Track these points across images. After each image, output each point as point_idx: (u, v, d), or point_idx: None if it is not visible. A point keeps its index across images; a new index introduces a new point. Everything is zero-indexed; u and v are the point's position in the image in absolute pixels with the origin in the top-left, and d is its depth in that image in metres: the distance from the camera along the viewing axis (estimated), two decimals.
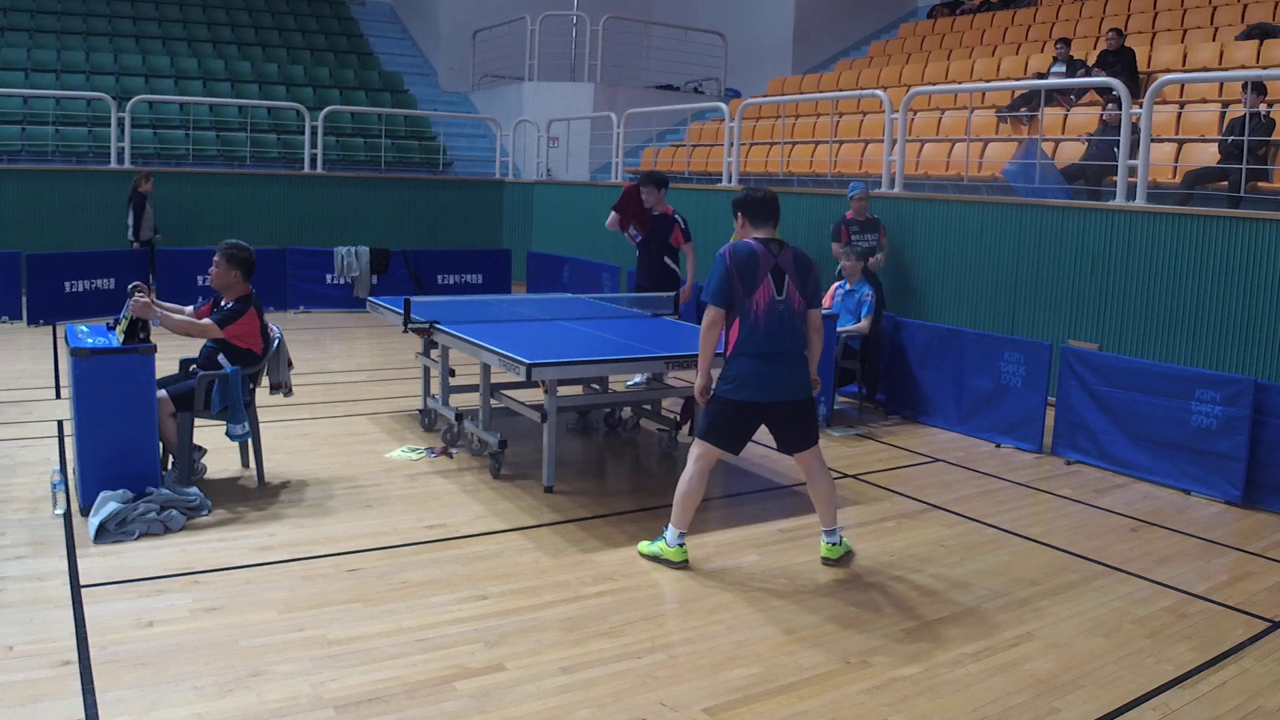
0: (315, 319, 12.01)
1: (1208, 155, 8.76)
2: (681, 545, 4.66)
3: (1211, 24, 11.69)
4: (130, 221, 12.09)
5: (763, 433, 4.67)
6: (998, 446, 7.03)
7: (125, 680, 3.39)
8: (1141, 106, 7.79)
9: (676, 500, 4.68)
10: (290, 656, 3.62)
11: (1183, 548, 5.17)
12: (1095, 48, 11.50)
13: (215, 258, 5.48)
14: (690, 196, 12.24)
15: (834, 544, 4.78)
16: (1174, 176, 8.73)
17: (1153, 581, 4.68)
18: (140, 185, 12.12)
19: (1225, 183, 8.18)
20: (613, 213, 8.43)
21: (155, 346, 5.04)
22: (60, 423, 6.68)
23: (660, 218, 8.22)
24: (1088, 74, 10.49)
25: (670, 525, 4.70)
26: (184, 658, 3.57)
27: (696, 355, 5.61)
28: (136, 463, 4.99)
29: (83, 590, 4.11)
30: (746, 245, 4.55)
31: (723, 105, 13.42)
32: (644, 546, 4.80)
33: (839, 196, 10.12)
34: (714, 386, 4.63)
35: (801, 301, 4.56)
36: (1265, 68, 9.55)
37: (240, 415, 5.41)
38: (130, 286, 5.19)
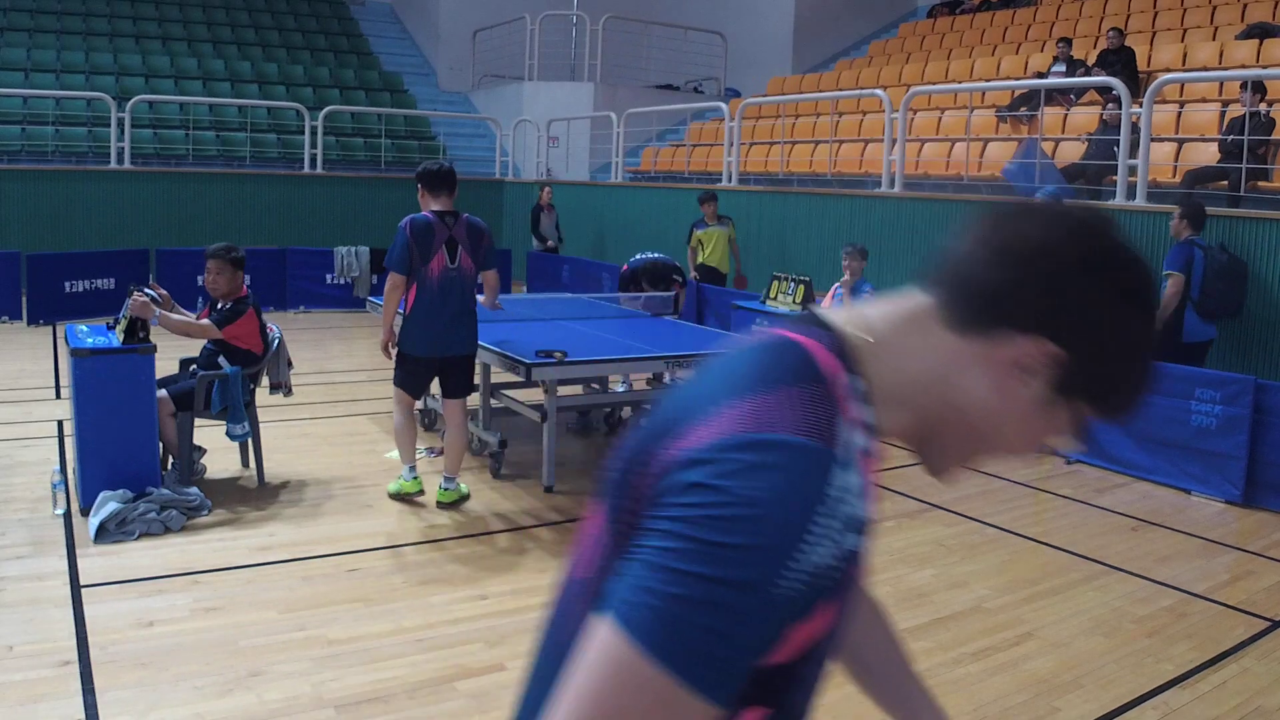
0: (315, 319, 12.01)
1: (1208, 155, 8.76)
2: (415, 478, 5.36)
3: (1211, 24, 11.69)
4: (551, 230, 13.50)
5: None
6: None
7: (125, 680, 3.39)
8: (1141, 106, 7.79)
9: (397, 442, 5.39)
10: (290, 656, 3.62)
11: (1183, 547, 5.17)
12: (1095, 48, 11.50)
13: (212, 265, 5.42)
14: (690, 196, 12.23)
15: (449, 489, 5.35)
16: (1174, 176, 8.73)
17: (1153, 581, 4.68)
18: (542, 197, 13.46)
19: (1225, 182, 8.18)
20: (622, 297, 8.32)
21: (155, 346, 5.04)
22: (60, 423, 6.68)
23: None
24: (1088, 73, 10.49)
25: (402, 464, 5.38)
26: (184, 658, 3.57)
27: (696, 355, 5.78)
28: (136, 463, 4.98)
29: (83, 590, 4.11)
30: (425, 219, 5.14)
31: (723, 105, 13.42)
32: (390, 487, 5.44)
33: (839, 197, 10.13)
34: (398, 344, 5.28)
35: (473, 266, 5.25)
36: (1265, 67, 9.55)
37: (240, 415, 5.41)
38: (132, 287, 5.19)
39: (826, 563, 0.87)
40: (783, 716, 0.99)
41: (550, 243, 13.40)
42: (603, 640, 0.86)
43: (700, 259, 10.27)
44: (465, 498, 5.48)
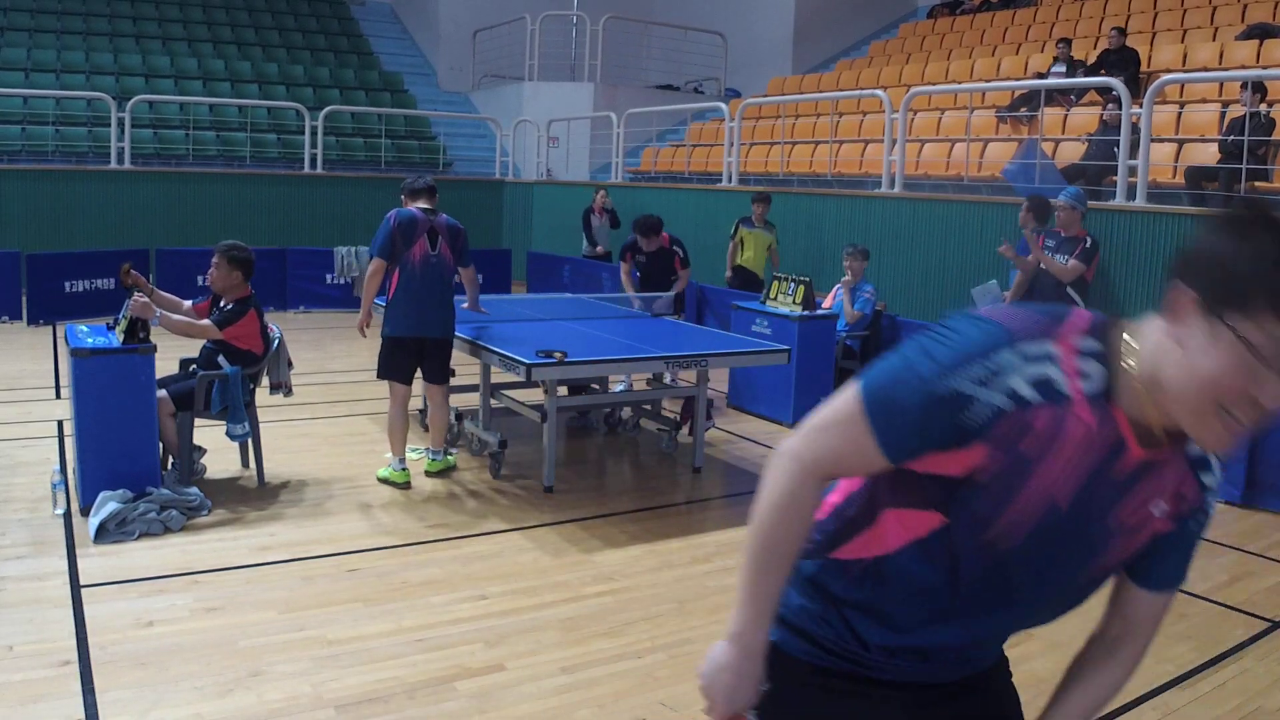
0: (315, 319, 12.01)
1: (1208, 155, 8.76)
2: (403, 470, 5.63)
3: (1211, 24, 11.69)
4: (603, 234, 12.68)
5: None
6: None
7: (125, 680, 3.39)
8: (1141, 106, 7.79)
9: (389, 434, 5.66)
10: (290, 656, 3.62)
11: None
12: (1095, 48, 11.50)
13: (214, 259, 5.47)
14: (690, 196, 12.25)
15: (436, 459, 5.84)
16: (1174, 176, 8.73)
17: None
18: (595, 202, 12.58)
19: (1217, 183, 8.18)
20: (623, 265, 8.21)
21: (155, 346, 5.04)
22: (60, 423, 6.68)
23: (658, 251, 8.10)
24: (1088, 74, 10.49)
25: (391, 455, 5.64)
26: (184, 658, 3.57)
27: (696, 355, 5.84)
28: (136, 463, 4.98)
29: (83, 590, 4.11)
30: (410, 211, 5.59)
31: (723, 105, 13.42)
32: (380, 472, 5.72)
33: (839, 197, 10.13)
34: (383, 329, 5.68)
35: (453, 258, 5.65)
36: (1265, 68, 9.55)
37: (240, 415, 5.41)
38: (130, 288, 5.19)
39: (970, 396, 1.29)
40: (967, 555, 1.42)
41: (600, 248, 12.61)
42: (850, 389, 1.40)
43: (738, 259, 10.03)
44: (452, 467, 5.91)
